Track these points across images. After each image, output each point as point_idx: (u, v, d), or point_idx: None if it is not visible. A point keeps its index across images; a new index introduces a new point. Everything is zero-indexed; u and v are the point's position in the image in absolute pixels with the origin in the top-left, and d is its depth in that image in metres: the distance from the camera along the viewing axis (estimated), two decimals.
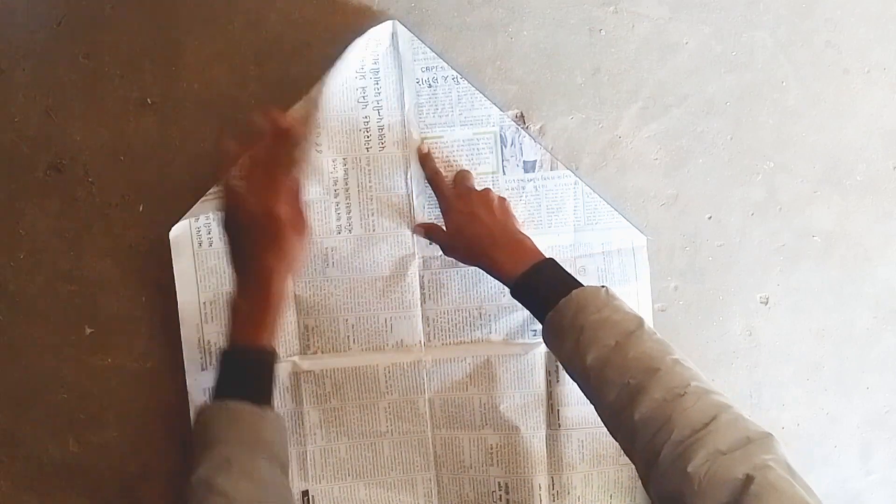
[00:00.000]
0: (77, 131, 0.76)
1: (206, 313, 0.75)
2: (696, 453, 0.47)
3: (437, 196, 0.76)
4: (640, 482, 0.76)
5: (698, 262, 0.80)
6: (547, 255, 0.67)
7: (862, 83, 0.80)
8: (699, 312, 0.81)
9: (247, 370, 0.61)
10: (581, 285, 0.62)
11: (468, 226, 0.70)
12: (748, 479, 0.44)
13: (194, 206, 0.74)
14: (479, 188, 0.75)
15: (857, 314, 0.82)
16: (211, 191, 0.74)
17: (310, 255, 0.76)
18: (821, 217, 0.81)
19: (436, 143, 0.76)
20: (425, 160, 0.76)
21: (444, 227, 0.74)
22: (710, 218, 0.80)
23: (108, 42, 0.75)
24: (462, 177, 0.76)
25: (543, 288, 0.63)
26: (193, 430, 0.60)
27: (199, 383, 0.76)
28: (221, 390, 0.60)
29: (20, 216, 0.76)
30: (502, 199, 0.74)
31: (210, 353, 0.76)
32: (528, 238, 0.69)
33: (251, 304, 0.61)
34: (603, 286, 0.61)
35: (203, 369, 0.76)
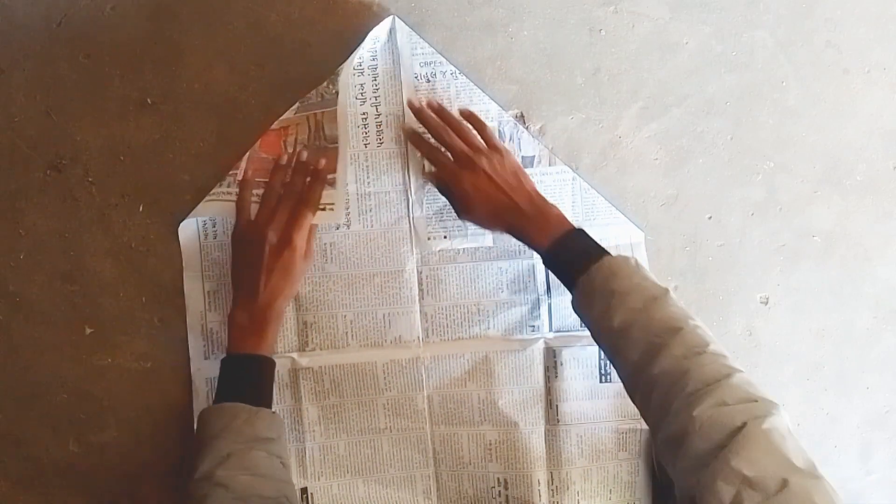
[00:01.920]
0: (77, 131, 0.76)
1: (209, 302, 0.76)
2: (703, 401, 0.50)
3: (441, 172, 0.73)
4: (639, 477, 0.77)
5: (698, 262, 0.80)
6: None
7: (862, 83, 0.80)
8: (699, 312, 0.80)
9: (244, 375, 0.66)
10: (610, 254, 0.64)
11: (489, 198, 0.69)
12: (743, 426, 0.47)
13: (201, 206, 0.75)
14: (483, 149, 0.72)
15: (857, 314, 0.82)
16: (214, 191, 0.74)
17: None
18: (821, 217, 0.81)
19: (428, 92, 0.75)
20: (416, 141, 0.75)
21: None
22: (710, 218, 0.80)
23: (108, 42, 0.75)
24: (464, 138, 0.72)
25: (576, 256, 0.65)
26: (195, 433, 0.64)
27: (203, 371, 0.76)
28: (221, 395, 0.65)
29: (20, 216, 0.76)
30: (510, 155, 0.72)
31: (213, 340, 0.76)
32: (552, 205, 0.70)
33: (252, 319, 0.67)
34: (632, 257, 0.64)
35: (206, 357, 0.77)
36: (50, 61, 0.75)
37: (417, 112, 0.73)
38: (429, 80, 0.76)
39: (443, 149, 0.73)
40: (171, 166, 0.76)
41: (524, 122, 0.78)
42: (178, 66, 0.76)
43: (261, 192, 0.71)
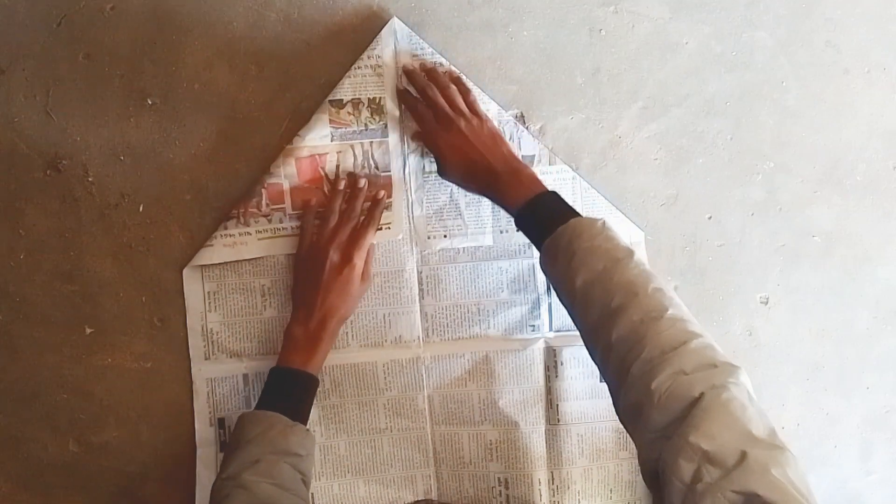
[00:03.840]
0: (77, 131, 0.76)
1: (209, 302, 0.76)
2: (661, 371, 0.49)
3: (420, 127, 0.75)
4: (640, 476, 0.77)
5: (698, 262, 0.80)
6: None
7: (862, 83, 0.80)
8: (699, 312, 0.80)
9: (289, 388, 0.69)
10: (580, 216, 0.64)
11: (466, 158, 0.71)
12: (702, 396, 0.46)
13: (205, 252, 0.75)
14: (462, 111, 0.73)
15: (857, 314, 0.82)
16: (217, 234, 0.75)
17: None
18: (821, 217, 0.81)
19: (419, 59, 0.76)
20: (403, 96, 0.75)
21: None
22: (710, 218, 0.80)
23: (108, 42, 0.75)
24: (448, 99, 0.73)
25: (545, 217, 0.65)
26: (231, 433, 0.67)
27: (203, 371, 0.77)
28: (263, 402, 0.68)
29: (20, 216, 0.76)
30: (489, 122, 0.74)
31: (213, 341, 0.77)
32: (528, 167, 0.70)
33: (307, 336, 0.70)
34: (600, 219, 0.63)
35: (206, 357, 0.77)
36: (50, 61, 0.75)
37: (409, 73, 0.75)
38: None
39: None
40: (171, 166, 0.76)
41: (524, 122, 0.78)
42: (178, 66, 0.76)
43: (296, 223, 0.75)
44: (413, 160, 0.77)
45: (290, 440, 0.64)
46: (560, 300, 0.64)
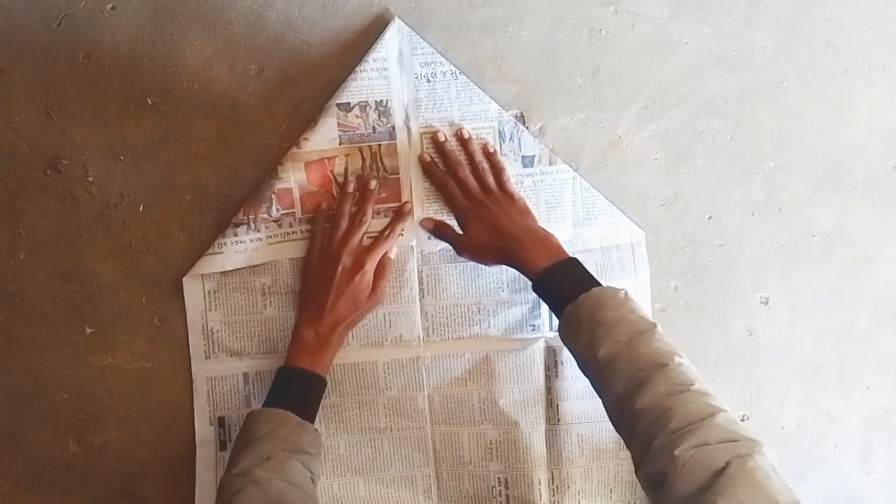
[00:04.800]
0: (77, 131, 0.76)
1: (209, 302, 0.76)
2: (686, 441, 0.50)
3: (449, 205, 0.76)
4: None
5: (698, 262, 0.80)
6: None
7: (862, 83, 0.80)
8: (699, 312, 0.81)
9: (298, 388, 0.69)
10: (600, 284, 0.64)
11: (492, 235, 0.71)
12: (727, 466, 0.47)
13: (205, 260, 0.75)
14: (494, 184, 0.75)
15: (857, 314, 0.82)
16: (218, 241, 0.75)
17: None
18: (821, 217, 0.81)
19: (437, 136, 0.76)
20: (430, 170, 0.76)
21: (454, 228, 0.75)
22: (710, 218, 0.80)
23: (108, 42, 0.75)
24: (478, 178, 0.75)
25: (566, 283, 0.65)
26: (240, 431, 0.67)
27: (203, 371, 0.77)
28: (271, 401, 0.68)
29: (20, 216, 0.76)
30: (521, 201, 0.75)
31: (213, 340, 0.77)
32: (552, 235, 0.71)
33: (317, 337, 0.71)
34: (622, 289, 0.63)
35: (207, 357, 0.77)
36: (50, 61, 0.75)
37: (440, 147, 0.75)
38: (429, 80, 0.76)
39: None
40: (171, 166, 0.76)
41: (524, 122, 0.78)
42: (178, 66, 0.76)
43: (307, 227, 0.75)
44: (413, 165, 0.76)
45: (302, 438, 0.64)
46: (582, 370, 0.64)
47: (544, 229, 0.72)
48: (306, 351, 0.70)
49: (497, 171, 0.75)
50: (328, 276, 0.71)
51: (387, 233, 0.75)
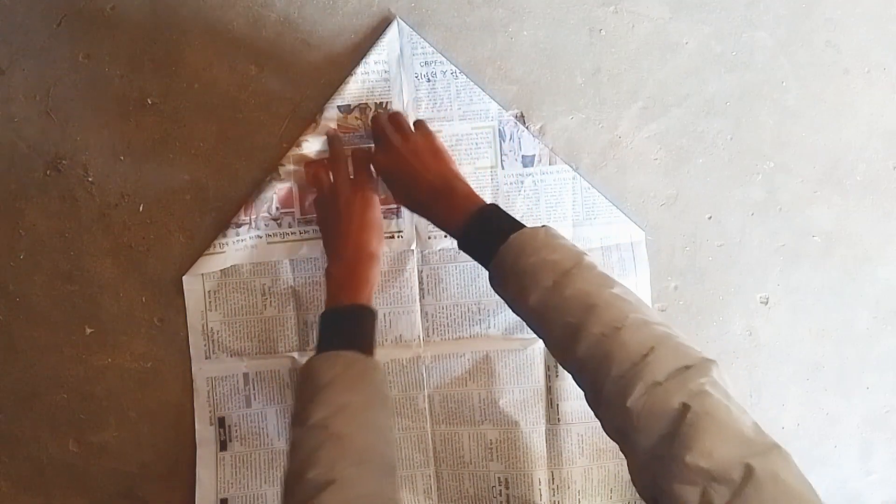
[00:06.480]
0: (77, 131, 0.76)
1: (209, 301, 0.76)
2: (633, 387, 0.46)
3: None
4: None
5: (698, 262, 0.80)
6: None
7: (862, 83, 0.80)
8: (699, 312, 0.81)
9: (348, 323, 0.63)
10: (522, 227, 0.59)
11: (400, 169, 0.68)
12: (684, 408, 0.44)
13: (204, 260, 0.75)
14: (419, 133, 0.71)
15: (857, 314, 0.82)
16: (217, 242, 0.75)
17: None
18: (821, 217, 0.81)
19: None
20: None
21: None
22: (710, 218, 0.80)
23: (108, 42, 0.75)
24: (381, 127, 0.71)
25: (485, 238, 0.60)
26: (299, 382, 0.61)
27: (203, 371, 0.77)
28: (325, 346, 0.62)
29: (20, 216, 0.76)
30: (434, 141, 0.70)
31: (213, 340, 0.77)
32: (464, 181, 0.66)
33: (348, 268, 0.67)
34: (543, 226, 0.59)
35: (207, 357, 0.77)
36: (50, 61, 0.75)
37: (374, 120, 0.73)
38: (429, 80, 0.76)
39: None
40: (171, 166, 0.76)
41: (524, 122, 0.78)
42: (178, 66, 0.76)
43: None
44: None
45: (374, 379, 0.59)
46: (522, 319, 0.60)
47: (456, 174, 0.67)
48: (342, 286, 0.66)
49: (419, 121, 0.72)
50: (337, 209, 0.69)
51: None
